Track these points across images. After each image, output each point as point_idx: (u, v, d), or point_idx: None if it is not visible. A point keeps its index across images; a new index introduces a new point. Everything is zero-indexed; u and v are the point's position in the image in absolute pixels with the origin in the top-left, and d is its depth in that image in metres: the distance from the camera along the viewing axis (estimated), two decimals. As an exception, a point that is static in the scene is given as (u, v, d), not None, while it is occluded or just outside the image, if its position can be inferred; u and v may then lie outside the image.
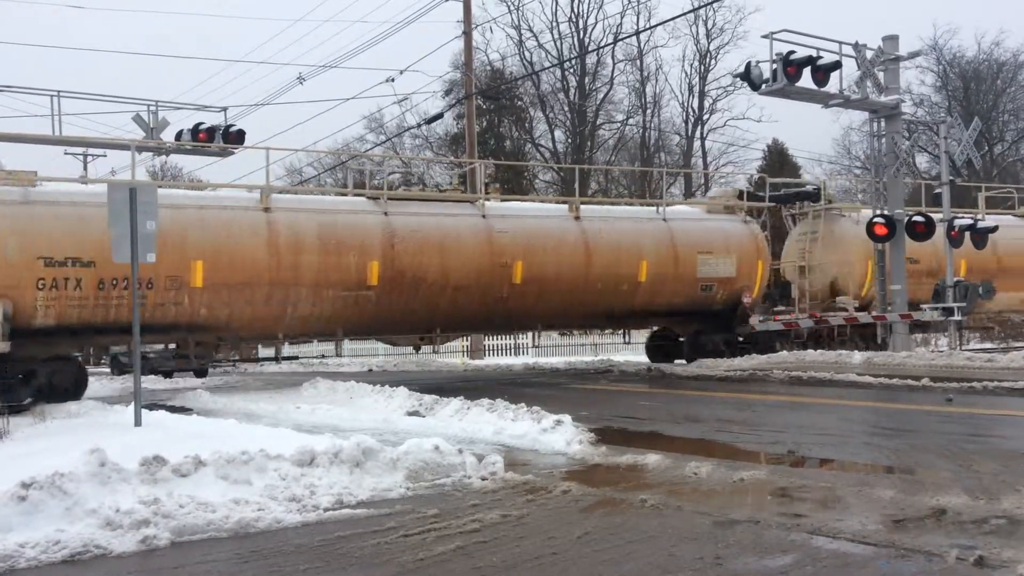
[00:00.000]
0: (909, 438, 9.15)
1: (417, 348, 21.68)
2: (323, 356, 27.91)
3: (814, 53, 18.59)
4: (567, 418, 9.64)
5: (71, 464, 6.26)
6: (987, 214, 24.20)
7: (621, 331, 24.34)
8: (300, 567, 5.09)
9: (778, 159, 48.04)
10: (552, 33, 47.48)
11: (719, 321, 21.20)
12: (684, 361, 21.07)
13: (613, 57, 48.13)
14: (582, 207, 19.91)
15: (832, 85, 19.09)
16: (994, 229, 21.04)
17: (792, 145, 49.76)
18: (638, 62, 49.07)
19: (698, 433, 10.12)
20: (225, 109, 22.33)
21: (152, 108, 20.89)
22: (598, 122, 49.65)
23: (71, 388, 15.10)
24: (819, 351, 19.96)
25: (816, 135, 65.92)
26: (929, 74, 50.62)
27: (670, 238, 20.37)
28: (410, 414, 11.91)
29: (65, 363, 15.53)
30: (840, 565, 4.79)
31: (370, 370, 24.73)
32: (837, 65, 18.89)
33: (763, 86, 18.56)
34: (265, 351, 24.87)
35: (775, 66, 18.16)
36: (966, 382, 13.75)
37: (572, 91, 48.41)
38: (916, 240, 19.75)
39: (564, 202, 20.66)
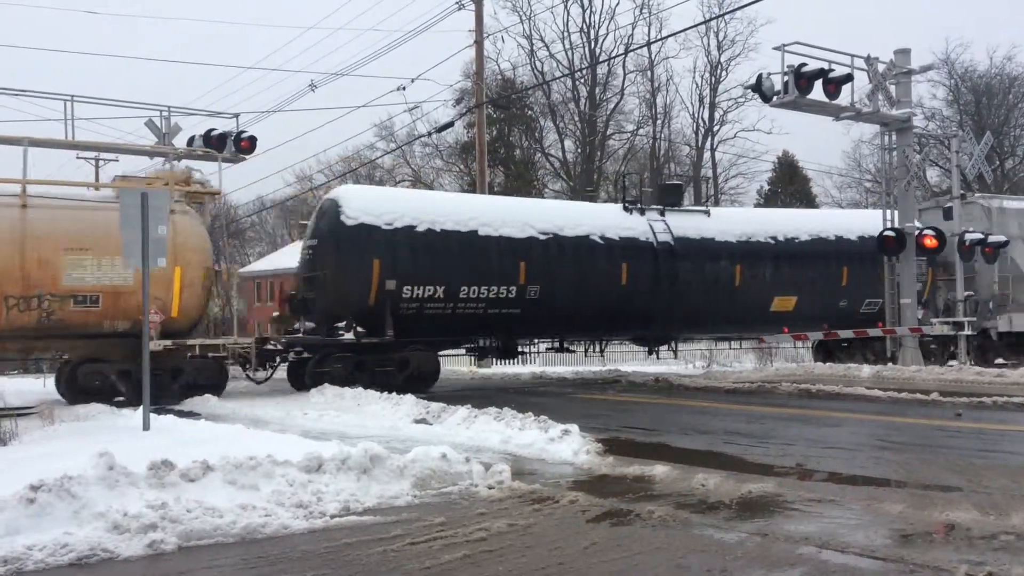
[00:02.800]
0: (918, 452, 9.10)
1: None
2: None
3: (826, 66, 18.59)
4: (574, 428, 9.63)
5: (79, 467, 6.28)
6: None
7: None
8: (306, 573, 5.09)
9: (788, 171, 48.08)
10: (563, 43, 47.65)
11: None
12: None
13: (624, 68, 48.27)
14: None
15: (843, 98, 19.09)
16: (1006, 243, 20.97)
17: (802, 157, 49.79)
18: (649, 73, 49.20)
19: (706, 444, 10.09)
20: (237, 115, 22.39)
21: (164, 113, 20.98)
22: (608, 132, 49.73)
23: None
24: (828, 364, 19.90)
25: (827, 147, 65.82)
26: (941, 88, 50.56)
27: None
28: (417, 422, 11.91)
29: None
30: (848, 579, 4.77)
31: None
32: (849, 78, 18.88)
33: (774, 98, 18.56)
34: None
35: (786, 78, 18.16)
36: (976, 397, 13.68)
37: (582, 101, 48.51)
38: (926, 255, 19.70)
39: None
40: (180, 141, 21.63)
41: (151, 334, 13.53)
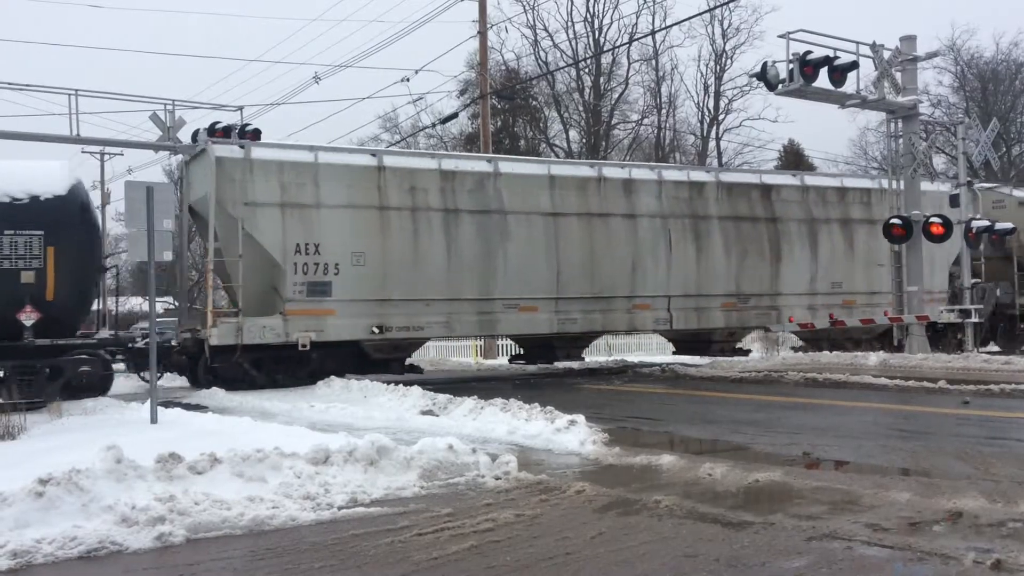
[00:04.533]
0: (925, 440, 9.09)
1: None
2: None
3: (831, 53, 18.50)
4: (581, 418, 9.63)
5: (88, 461, 6.30)
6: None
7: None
8: (314, 565, 5.10)
9: (794, 159, 47.90)
10: (567, 33, 47.46)
11: None
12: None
13: (628, 57, 48.05)
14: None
15: (849, 85, 18.99)
16: (1012, 231, 20.89)
17: (808, 146, 49.62)
18: (653, 62, 48.95)
19: (713, 434, 10.09)
20: (241, 108, 22.31)
21: (169, 107, 20.94)
22: (613, 122, 49.55)
23: None
24: (834, 352, 19.86)
25: (832, 135, 65.82)
26: (947, 75, 50.29)
27: None
28: (424, 413, 11.93)
29: None
30: (856, 568, 4.76)
31: None
32: (854, 65, 18.79)
33: (779, 86, 18.47)
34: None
35: (791, 66, 18.07)
36: (983, 385, 13.65)
37: (587, 91, 48.35)
38: (933, 242, 19.63)
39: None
40: (185, 135, 21.60)
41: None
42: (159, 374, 14.93)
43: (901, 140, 20.57)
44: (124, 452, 6.46)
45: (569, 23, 47.37)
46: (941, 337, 20.99)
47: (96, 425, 10.38)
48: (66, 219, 14.51)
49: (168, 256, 10.48)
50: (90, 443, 7.14)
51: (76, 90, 19.04)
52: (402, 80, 28.38)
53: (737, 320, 21.06)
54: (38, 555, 5.28)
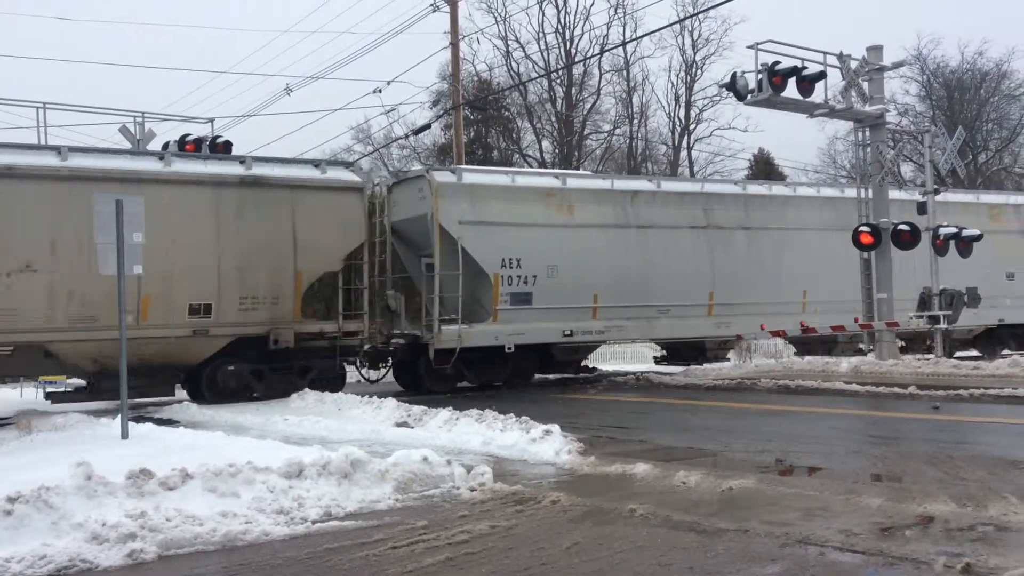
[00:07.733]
0: (896, 446, 9.19)
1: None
2: None
3: (799, 63, 18.68)
4: (556, 428, 9.64)
5: (57, 478, 6.22)
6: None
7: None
8: (288, 580, 5.07)
9: (764, 168, 48.30)
10: (539, 44, 47.62)
11: None
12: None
13: (600, 68, 48.27)
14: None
15: (817, 95, 19.18)
16: (979, 237, 21.16)
17: (778, 155, 50.03)
18: (624, 72, 49.26)
19: (687, 442, 10.13)
20: (212, 120, 22.24)
21: (139, 119, 20.79)
22: (585, 132, 49.74)
23: None
24: (806, 358, 20.02)
25: (802, 144, 66.30)
26: (913, 84, 50.97)
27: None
28: (399, 425, 11.88)
29: None
30: (829, 573, 4.80)
31: (357, 381, 24.60)
32: (822, 75, 18.99)
33: (749, 96, 18.63)
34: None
35: (760, 76, 18.22)
36: (952, 390, 13.82)
37: (559, 101, 48.52)
38: (902, 249, 19.85)
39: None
40: (155, 147, 21.44)
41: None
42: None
43: (869, 149, 20.80)
44: (94, 468, 6.39)
45: (540, 34, 47.58)
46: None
47: (66, 441, 10.24)
48: None
49: (138, 270, 10.34)
50: (60, 459, 7.05)
51: (44, 103, 18.84)
52: (374, 91, 28.31)
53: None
54: (7, 574, 5.20)
